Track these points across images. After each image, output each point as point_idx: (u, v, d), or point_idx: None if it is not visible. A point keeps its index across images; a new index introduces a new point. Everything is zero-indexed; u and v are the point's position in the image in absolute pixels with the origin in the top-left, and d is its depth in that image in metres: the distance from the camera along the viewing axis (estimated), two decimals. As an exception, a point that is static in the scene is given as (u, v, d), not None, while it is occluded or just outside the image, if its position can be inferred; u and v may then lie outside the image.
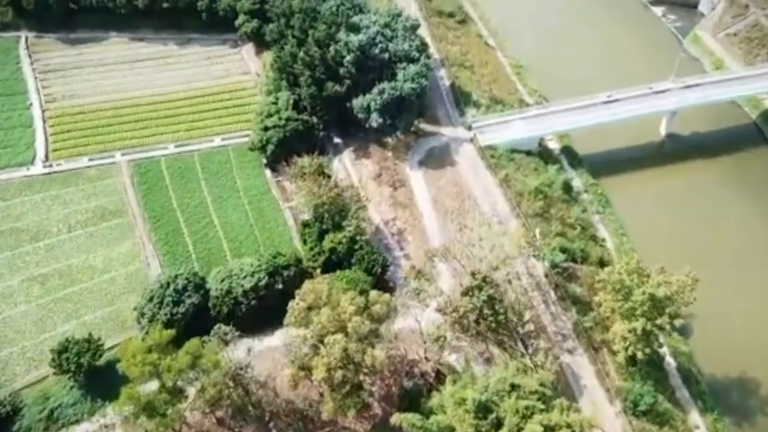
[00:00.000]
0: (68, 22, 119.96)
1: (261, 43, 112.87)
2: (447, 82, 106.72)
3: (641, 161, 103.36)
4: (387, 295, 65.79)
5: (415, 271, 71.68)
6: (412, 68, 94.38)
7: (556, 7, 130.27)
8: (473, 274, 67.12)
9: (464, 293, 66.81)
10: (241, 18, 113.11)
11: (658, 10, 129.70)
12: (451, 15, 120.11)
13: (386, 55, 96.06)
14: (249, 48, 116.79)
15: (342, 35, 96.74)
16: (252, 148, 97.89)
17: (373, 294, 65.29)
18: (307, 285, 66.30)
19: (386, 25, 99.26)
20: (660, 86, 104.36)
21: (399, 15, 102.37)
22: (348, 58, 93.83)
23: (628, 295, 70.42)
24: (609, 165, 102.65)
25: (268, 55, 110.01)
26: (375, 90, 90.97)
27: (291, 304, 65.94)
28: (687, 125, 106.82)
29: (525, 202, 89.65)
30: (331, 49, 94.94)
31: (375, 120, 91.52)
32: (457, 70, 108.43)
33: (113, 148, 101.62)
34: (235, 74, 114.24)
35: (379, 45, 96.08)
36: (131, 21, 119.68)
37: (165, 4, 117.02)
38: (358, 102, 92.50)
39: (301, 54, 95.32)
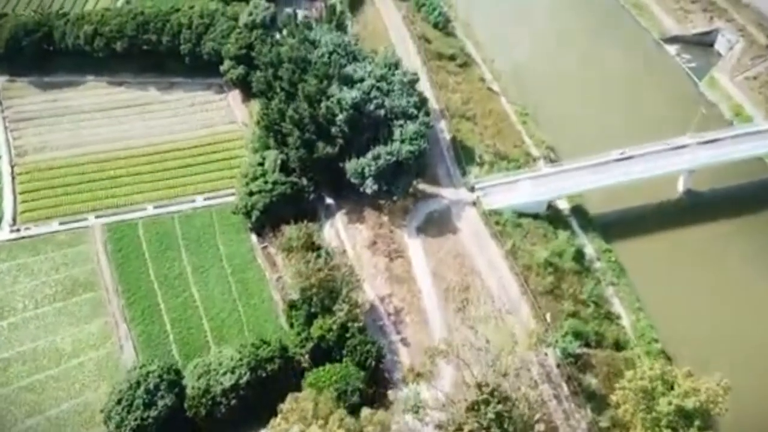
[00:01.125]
0: (43, 65, 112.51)
1: (248, 89, 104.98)
2: (447, 136, 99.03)
3: (657, 221, 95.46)
4: (381, 414, 58.24)
5: (414, 374, 63.99)
6: (410, 127, 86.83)
7: (563, 47, 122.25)
8: (479, 386, 59.48)
9: (469, 408, 59.18)
10: (227, 64, 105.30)
11: (672, 49, 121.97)
12: (452, 58, 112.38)
13: (382, 112, 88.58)
14: (235, 94, 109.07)
15: (334, 89, 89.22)
16: (236, 212, 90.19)
17: (365, 414, 57.88)
18: (290, 401, 58.65)
19: (382, 78, 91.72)
20: (677, 141, 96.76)
21: (396, 66, 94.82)
22: (341, 116, 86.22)
23: (651, 403, 62.91)
24: (623, 226, 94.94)
25: (255, 104, 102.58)
26: (370, 155, 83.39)
27: (272, 422, 58.36)
28: (706, 181, 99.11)
29: (534, 276, 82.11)
30: (322, 105, 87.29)
31: (370, 186, 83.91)
32: (458, 122, 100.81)
33: (86, 209, 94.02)
34: (220, 123, 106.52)
35: (375, 101, 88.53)
36: (110, 63, 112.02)
37: (145, 47, 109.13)
38: (351, 166, 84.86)
39: (290, 112, 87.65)
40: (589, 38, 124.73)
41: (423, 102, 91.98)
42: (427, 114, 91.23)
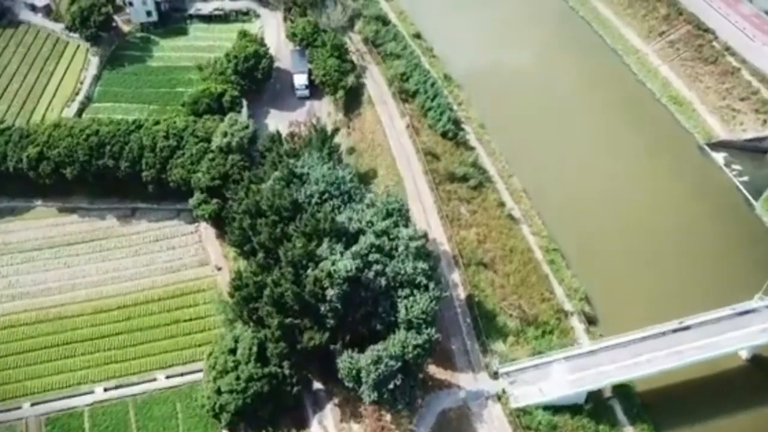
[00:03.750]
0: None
1: (223, 225, 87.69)
2: (462, 293, 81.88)
3: (716, 398, 78.09)
4: None
5: None
6: (419, 304, 69.40)
7: (595, 156, 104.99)
8: None
9: None
10: (197, 197, 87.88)
11: (719, 157, 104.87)
12: (464, 179, 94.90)
13: (383, 281, 71.41)
14: (208, 227, 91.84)
15: (324, 249, 72.03)
16: (202, 408, 72.98)
17: None
18: None
19: (384, 233, 74.55)
20: (743, 306, 79.93)
21: (400, 212, 77.52)
22: (332, 292, 68.99)
23: None
24: (675, 408, 77.42)
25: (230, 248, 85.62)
26: (368, 356, 65.94)
27: None
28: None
29: None
30: (310, 276, 70.00)
31: (368, 396, 66.51)
32: (475, 272, 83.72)
33: (21, 393, 76.84)
34: (189, 266, 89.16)
35: (375, 267, 71.33)
36: (62, 185, 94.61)
37: (100, 170, 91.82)
38: (344, 365, 67.56)
39: (268, 289, 70.36)
40: (625, 145, 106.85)
41: (434, 268, 74.51)
42: (439, 282, 73.96)
